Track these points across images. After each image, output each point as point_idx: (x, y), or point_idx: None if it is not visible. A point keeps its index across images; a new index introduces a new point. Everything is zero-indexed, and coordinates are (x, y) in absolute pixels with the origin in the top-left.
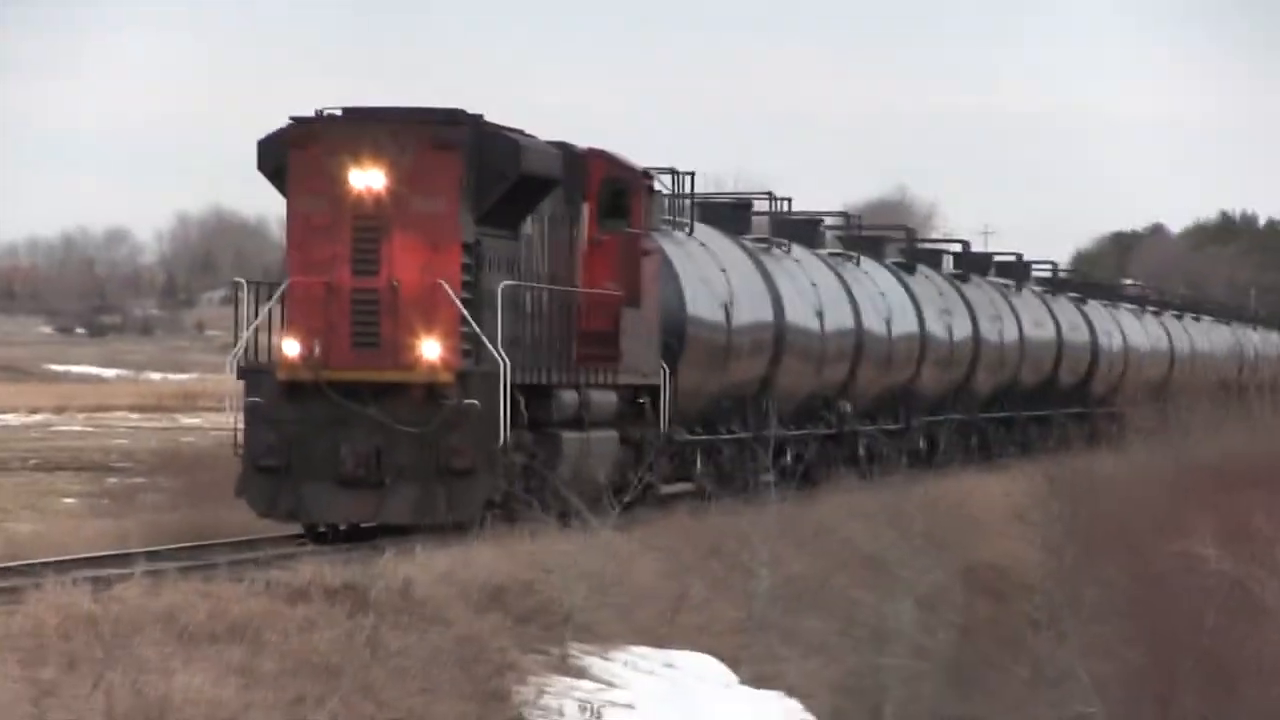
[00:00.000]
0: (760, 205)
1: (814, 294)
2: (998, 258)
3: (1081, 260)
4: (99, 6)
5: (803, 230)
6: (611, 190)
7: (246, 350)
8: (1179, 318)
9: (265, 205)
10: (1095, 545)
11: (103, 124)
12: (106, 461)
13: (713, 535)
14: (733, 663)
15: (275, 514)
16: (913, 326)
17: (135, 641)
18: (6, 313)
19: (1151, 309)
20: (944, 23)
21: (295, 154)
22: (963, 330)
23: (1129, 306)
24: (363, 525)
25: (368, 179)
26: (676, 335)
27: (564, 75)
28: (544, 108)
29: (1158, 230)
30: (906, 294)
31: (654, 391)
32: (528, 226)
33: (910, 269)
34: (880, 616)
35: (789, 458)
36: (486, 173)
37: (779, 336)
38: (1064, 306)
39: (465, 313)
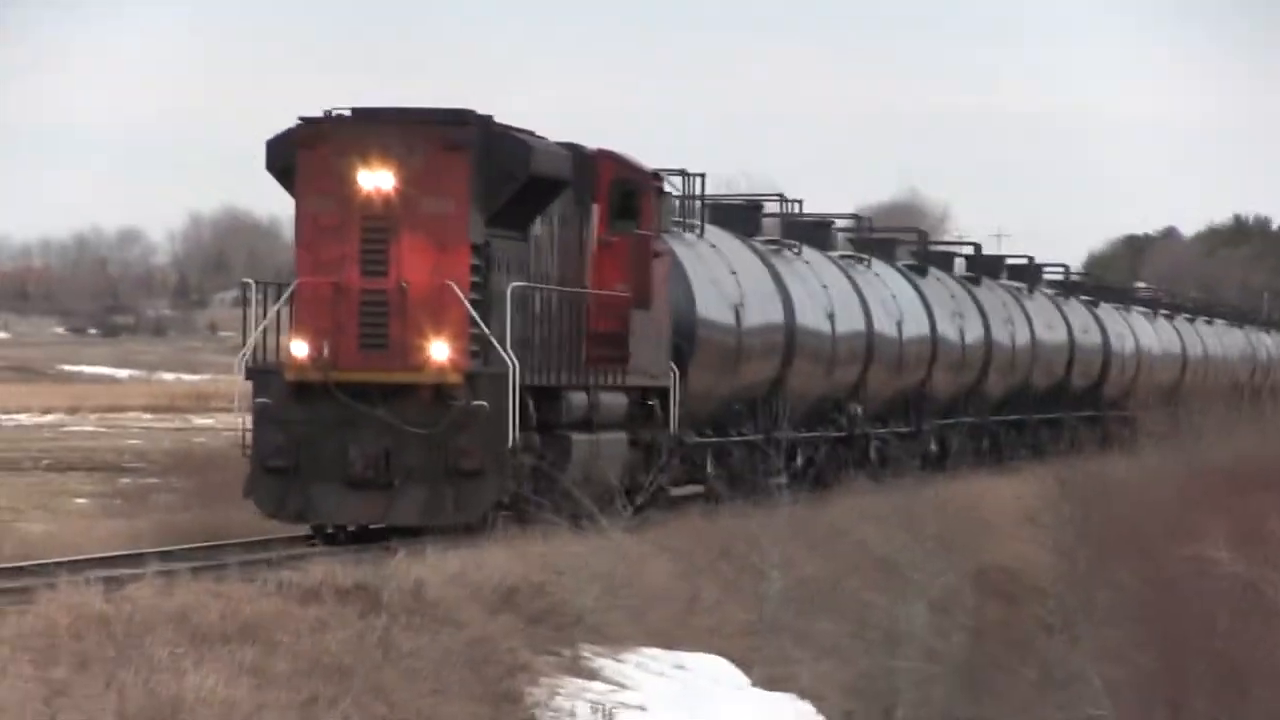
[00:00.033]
0: (771, 207)
1: (825, 296)
2: (1009, 260)
3: (1094, 263)
4: (94, 5)
5: (814, 232)
6: (621, 191)
7: (255, 351)
8: (1191, 321)
9: (278, 205)
10: (1107, 548)
11: (107, 120)
12: (119, 462)
13: (724, 537)
14: (745, 665)
15: (283, 515)
16: (924, 329)
17: (147, 641)
18: (20, 313)
19: (1164, 312)
20: (945, 24)
21: (304, 154)
22: (974, 333)
23: (1141, 309)
24: (371, 527)
25: (376, 179)
26: (687, 337)
27: (561, 73)
28: (545, 106)
29: (1170, 233)
30: (918, 296)
31: (664, 393)
32: (537, 228)
33: (922, 271)
34: (892, 619)
35: (800, 460)
36: (496, 174)
37: (790, 339)
38: (1076, 309)
39: (474, 314)
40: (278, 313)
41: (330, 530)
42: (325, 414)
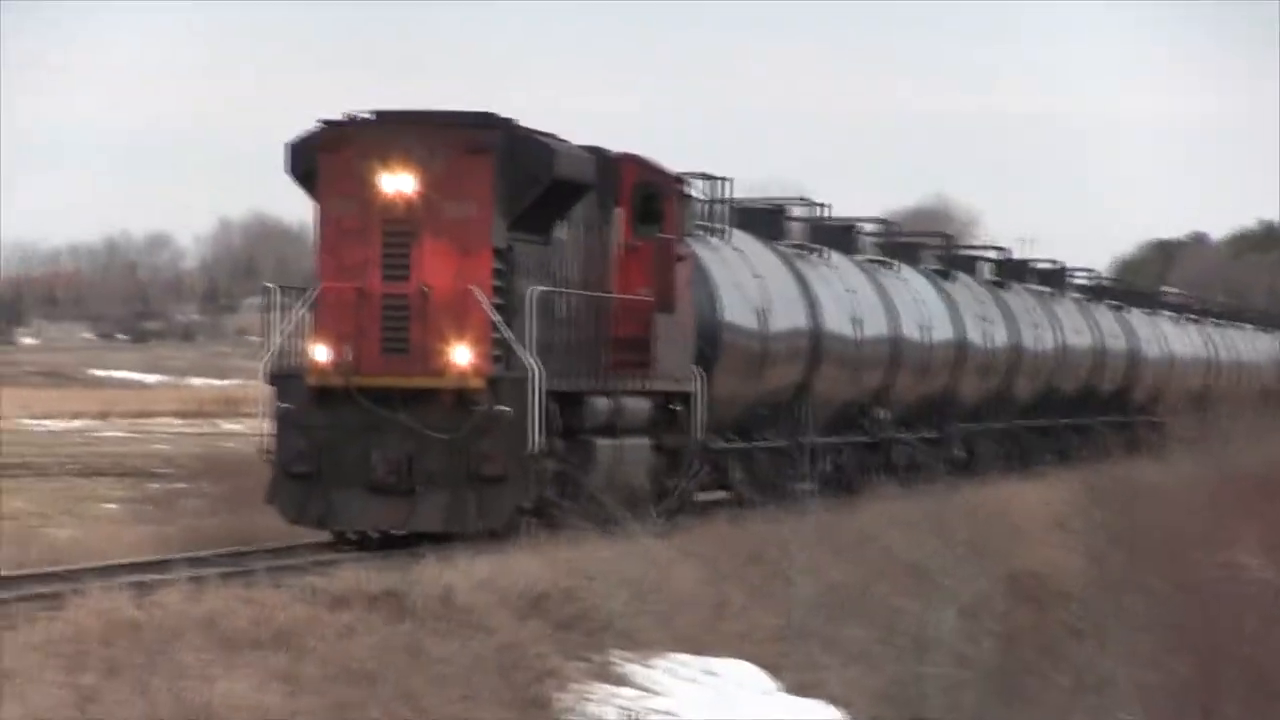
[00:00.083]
0: (797, 211)
1: (851, 300)
2: (1037, 265)
3: (1123, 268)
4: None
5: (839, 236)
6: (644, 195)
7: (278, 356)
8: (1220, 326)
9: (305, 210)
10: (1137, 553)
11: (126, 123)
12: (148, 467)
13: (752, 543)
14: (773, 670)
15: (305, 521)
16: (951, 333)
17: (177, 647)
18: (50, 319)
19: (1192, 317)
20: (972, 29)
21: (325, 157)
22: (1001, 338)
23: (1169, 314)
24: (393, 533)
25: (398, 183)
26: (711, 341)
27: (566, 75)
28: (549, 107)
29: (1199, 238)
30: (944, 301)
31: (688, 398)
32: (560, 231)
33: (948, 275)
34: (921, 624)
35: (826, 466)
36: (519, 177)
37: (815, 343)
38: (1103, 314)
39: (496, 318)
40: (300, 317)
41: (353, 536)
42: (347, 419)
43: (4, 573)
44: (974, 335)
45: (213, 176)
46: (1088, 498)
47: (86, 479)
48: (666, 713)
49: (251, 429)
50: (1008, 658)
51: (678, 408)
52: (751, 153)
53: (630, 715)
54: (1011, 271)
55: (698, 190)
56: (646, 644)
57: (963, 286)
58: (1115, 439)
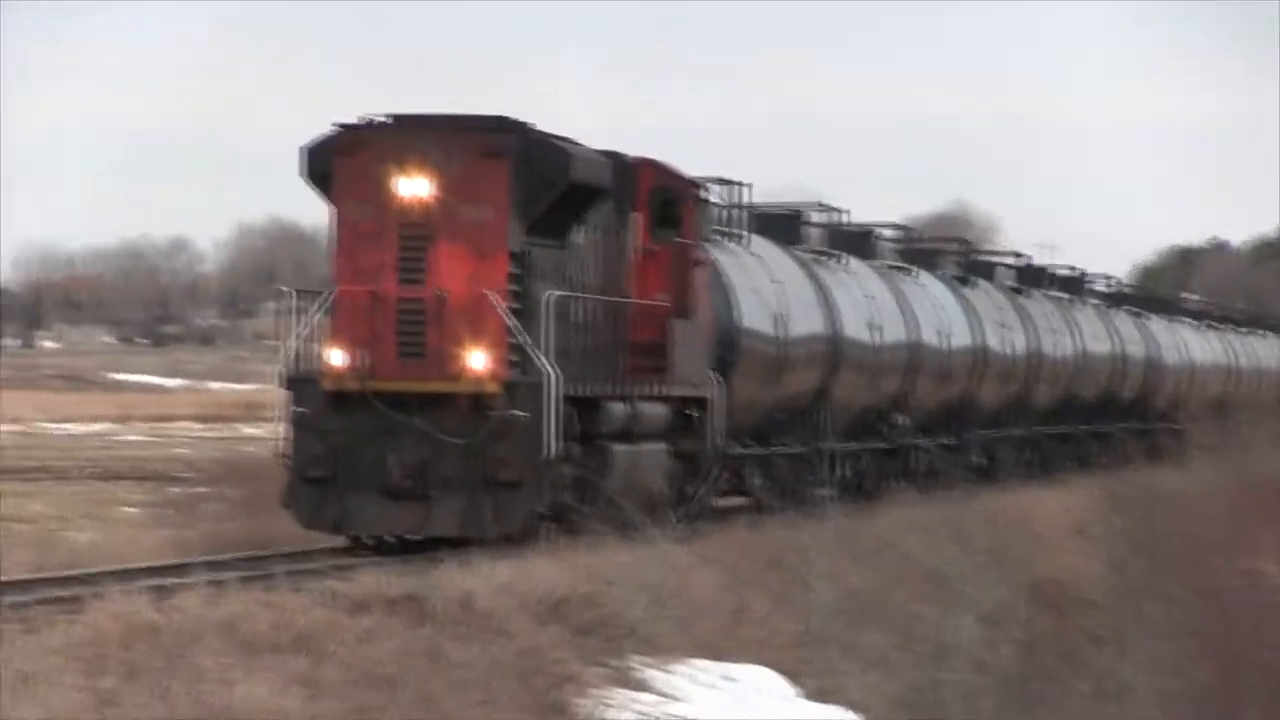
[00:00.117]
0: (816, 216)
1: (869, 306)
2: (1056, 271)
3: (1143, 275)
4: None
5: (858, 242)
6: (662, 200)
7: (293, 360)
8: (1240, 332)
9: (322, 214)
10: (1158, 560)
11: (144, 125)
12: (168, 471)
13: (771, 548)
14: (793, 676)
15: (320, 526)
16: (970, 340)
17: (196, 651)
18: (70, 323)
19: (1212, 323)
20: (992, 33)
21: (341, 161)
22: (1021, 344)
23: (1189, 321)
24: (409, 537)
25: (414, 187)
26: (729, 347)
27: (574, 77)
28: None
29: (1219, 245)
30: (963, 307)
31: (705, 404)
32: (577, 236)
33: (967, 281)
34: (941, 631)
35: (845, 471)
36: (535, 181)
37: (833, 349)
38: (1123, 320)
39: (513, 323)
40: (315, 321)
41: (369, 541)
42: (363, 423)
43: (24, 576)
44: (993, 342)
45: (215, 178)
46: (1108, 504)
47: (107, 483)
48: (686, 718)
49: (270, 433)
50: (1027, 664)
51: (695, 413)
52: (770, 158)
53: None
54: (1031, 278)
55: (716, 195)
56: (666, 649)
57: (982, 293)
58: (1135, 446)
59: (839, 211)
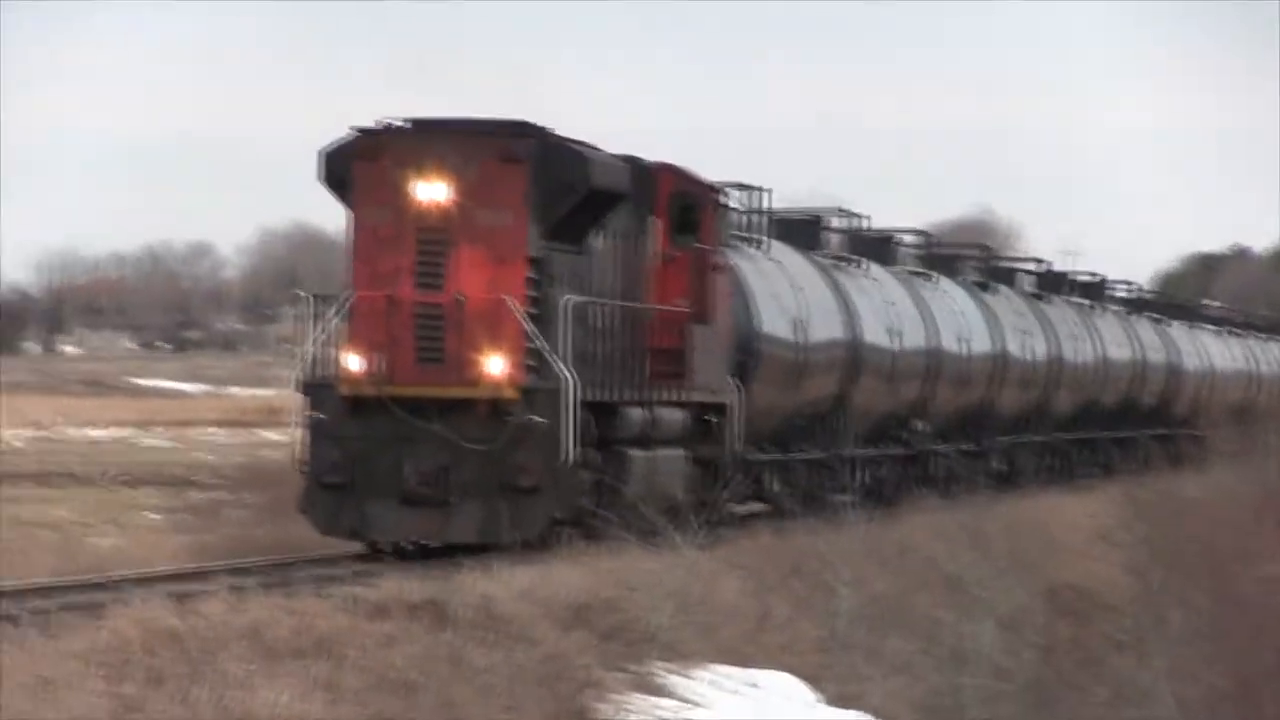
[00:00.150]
0: (836, 222)
1: (889, 312)
2: (1077, 277)
3: (1166, 281)
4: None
5: (878, 247)
6: (681, 205)
7: (311, 365)
8: (1262, 339)
9: (342, 218)
10: (1179, 567)
11: (161, 130)
12: (189, 476)
13: (794, 554)
14: (815, 682)
15: (338, 532)
16: (990, 346)
17: (219, 657)
18: (92, 328)
19: (1234, 330)
20: (1010, 39)
21: (360, 165)
22: (1041, 350)
23: (1210, 327)
24: (427, 544)
25: (433, 191)
26: (748, 352)
27: (590, 82)
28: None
29: (1242, 252)
30: (984, 313)
31: (724, 410)
32: (595, 241)
33: (988, 288)
34: (962, 637)
35: (865, 478)
36: (554, 186)
37: (853, 354)
38: (1144, 327)
39: (531, 328)
40: (333, 326)
41: (386, 547)
42: (380, 429)
43: (47, 581)
44: (1013, 347)
45: (237, 183)
46: (1129, 511)
47: (129, 488)
48: None
49: (293, 439)
50: (1048, 670)
51: (714, 419)
52: (791, 164)
53: None
54: (1051, 284)
55: (735, 201)
56: (688, 655)
57: (1002, 298)
58: (1156, 452)
59: (859, 217)
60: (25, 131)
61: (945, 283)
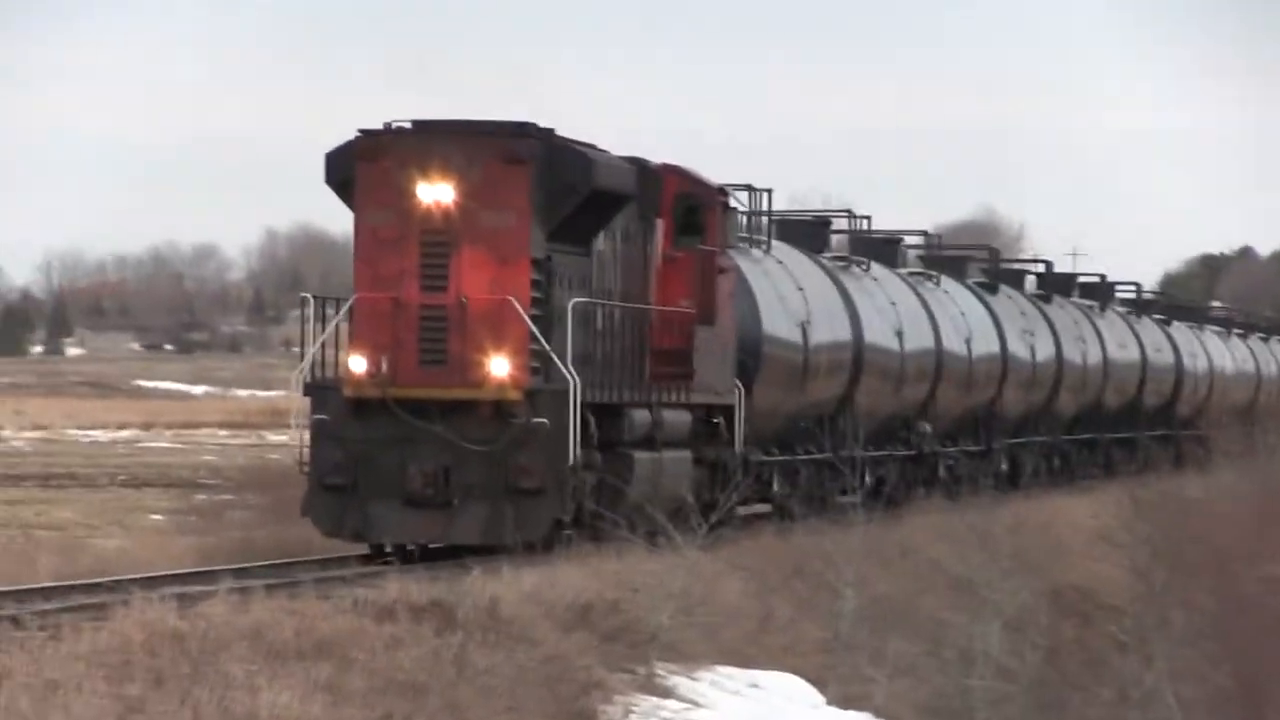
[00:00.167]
0: (840, 223)
1: (893, 313)
2: (1081, 278)
3: (1170, 283)
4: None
5: (882, 249)
6: (686, 206)
7: (314, 366)
8: (1266, 340)
9: (348, 220)
10: (1182, 567)
11: (174, 135)
12: (194, 478)
13: (797, 556)
14: (819, 683)
15: (341, 534)
16: (994, 347)
17: (222, 658)
18: (95, 330)
19: (1238, 331)
20: (1017, 40)
21: (363, 167)
22: (1045, 351)
23: (1215, 328)
24: (430, 546)
25: (436, 193)
26: (752, 354)
27: (597, 82)
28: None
29: (1246, 253)
30: (988, 314)
31: (729, 411)
32: (600, 242)
33: (992, 289)
34: (966, 638)
35: (869, 479)
36: (557, 187)
37: (857, 356)
38: (1148, 328)
39: (535, 330)
40: (336, 328)
41: (389, 550)
42: (384, 431)
43: (51, 583)
44: (1018, 349)
45: (218, 183)
46: (1132, 512)
47: (134, 490)
48: None
49: (295, 440)
50: (1052, 671)
51: (719, 420)
52: (791, 165)
53: None
54: (1056, 285)
55: (740, 202)
56: (691, 656)
57: (1007, 300)
58: (1160, 453)
59: (862, 219)
60: (27, 132)
61: (950, 284)
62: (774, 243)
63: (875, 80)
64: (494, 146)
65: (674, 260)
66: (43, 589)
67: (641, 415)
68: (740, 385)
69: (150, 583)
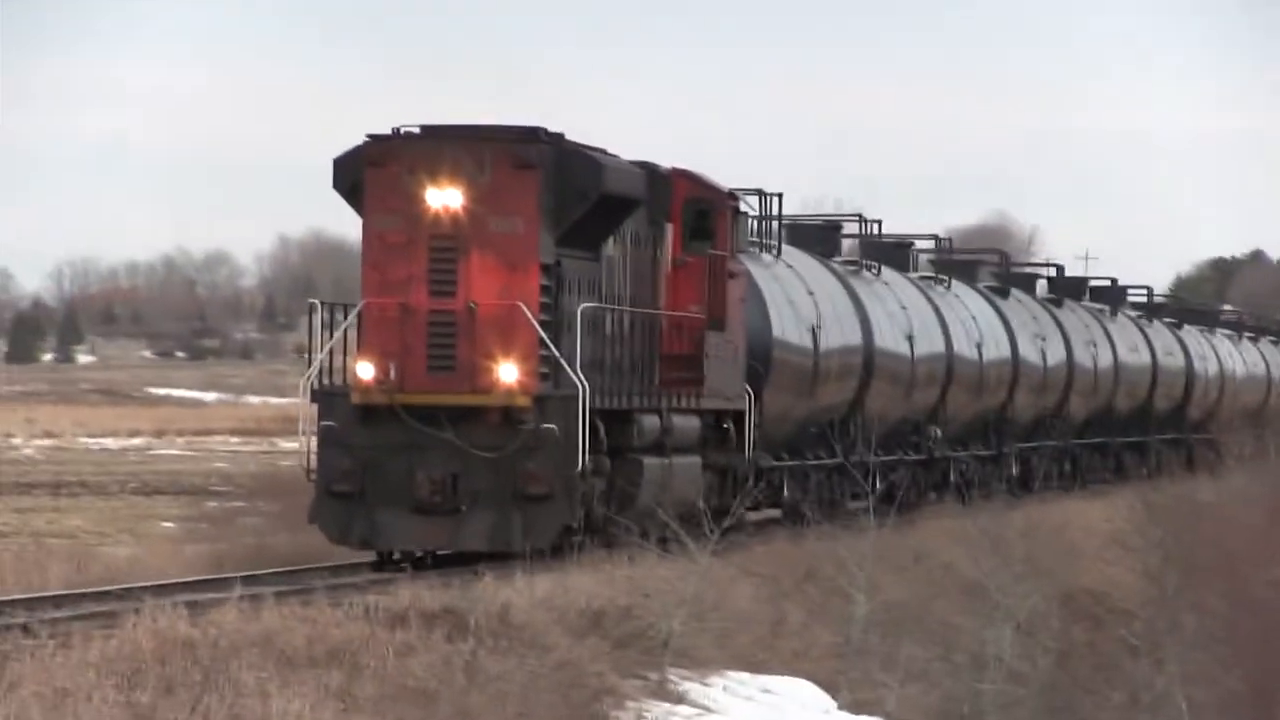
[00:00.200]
0: (850, 228)
1: (904, 317)
2: (1092, 282)
3: (1181, 286)
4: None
5: (893, 253)
6: (695, 211)
7: (322, 372)
8: (1277, 343)
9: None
10: (1194, 571)
11: (183, 141)
12: (205, 485)
13: (809, 561)
14: (831, 688)
15: (348, 541)
16: (1005, 351)
17: (233, 665)
18: (107, 337)
19: (1249, 334)
20: (1025, 44)
21: (372, 172)
22: (1056, 355)
23: (1225, 332)
24: (439, 553)
25: (445, 198)
26: (762, 359)
27: (622, 91)
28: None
29: (1257, 256)
30: (999, 318)
31: (739, 416)
32: (609, 247)
33: (1003, 293)
34: (978, 642)
35: (880, 484)
36: (567, 192)
37: (868, 360)
38: (1159, 331)
39: (544, 335)
40: (344, 334)
41: (397, 556)
42: (391, 437)
43: (62, 591)
44: (1029, 353)
45: (230, 190)
46: (1144, 515)
47: (145, 497)
48: None
49: (304, 447)
50: (1064, 675)
51: (729, 426)
52: (791, 164)
53: None
54: (1067, 289)
55: (750, 206)
56: (703, 662)
57: (1018, 304)
58: (1171, 456)
59: (873, 223)
60: (37, 139)
61: (960, 288)
62: (785, 247)
63: (871, 80)
64: (503, 151)
65: (684, 265)
66: (53, 597)
67: (651, 421)
68: (750, 390)
69: (161, 590)
